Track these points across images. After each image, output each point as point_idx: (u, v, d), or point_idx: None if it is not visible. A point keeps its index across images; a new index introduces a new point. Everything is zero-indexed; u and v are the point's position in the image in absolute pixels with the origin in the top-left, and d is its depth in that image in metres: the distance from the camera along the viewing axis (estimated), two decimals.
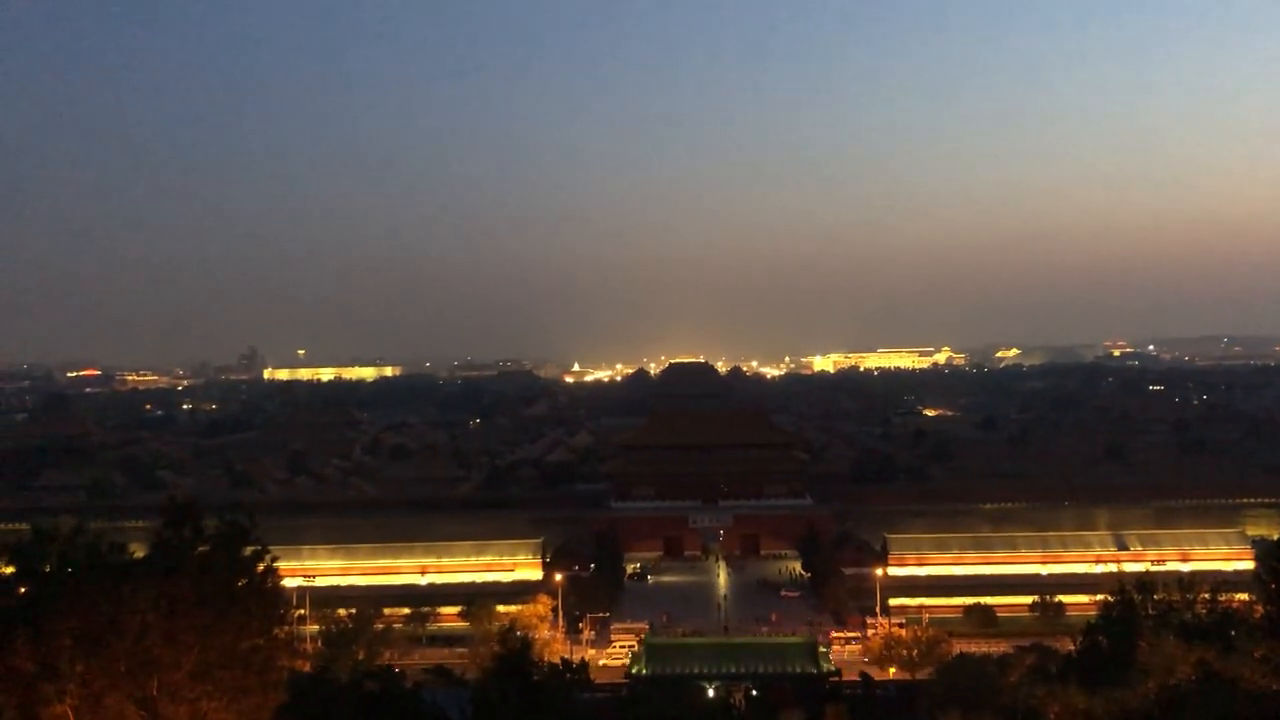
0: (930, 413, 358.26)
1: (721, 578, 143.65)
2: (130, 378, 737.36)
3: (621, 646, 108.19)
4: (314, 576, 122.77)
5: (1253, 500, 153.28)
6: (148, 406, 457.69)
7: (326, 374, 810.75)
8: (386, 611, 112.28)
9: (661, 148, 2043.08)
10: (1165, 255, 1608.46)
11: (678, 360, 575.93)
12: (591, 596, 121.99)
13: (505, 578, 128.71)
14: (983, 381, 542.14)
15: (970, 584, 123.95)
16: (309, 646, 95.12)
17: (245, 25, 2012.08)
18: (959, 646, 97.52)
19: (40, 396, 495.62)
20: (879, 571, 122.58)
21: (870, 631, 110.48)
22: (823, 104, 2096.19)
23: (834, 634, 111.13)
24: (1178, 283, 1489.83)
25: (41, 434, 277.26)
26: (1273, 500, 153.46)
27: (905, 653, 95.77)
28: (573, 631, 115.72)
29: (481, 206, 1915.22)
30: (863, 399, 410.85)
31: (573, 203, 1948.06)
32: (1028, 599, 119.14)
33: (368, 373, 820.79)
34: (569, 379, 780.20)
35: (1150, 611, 43.32)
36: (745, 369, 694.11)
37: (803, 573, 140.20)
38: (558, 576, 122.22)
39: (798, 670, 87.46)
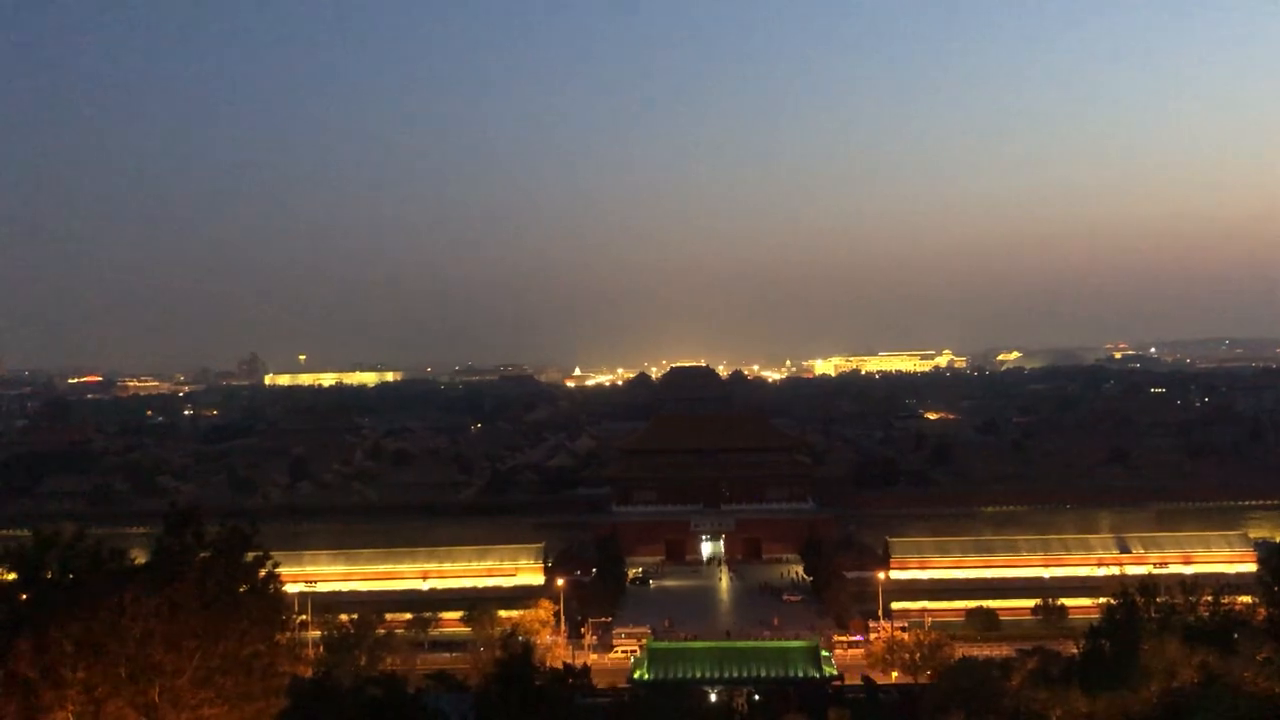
0: (931, 416, 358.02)
1: (723, 582, 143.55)
2: (131, 383, 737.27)
3: (623, 651, 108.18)
4: (316, 582, 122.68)
5: (1255, 502, 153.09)
6: (149, 412, 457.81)
7: (328, 379, 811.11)
8: (388, 617, 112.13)
9: (662, 152, 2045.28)
10: (1167, 258, 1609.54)
11: (679, 364, 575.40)
12: (593, 601, 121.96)
13: (507, 582, 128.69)
14: (984, 385, 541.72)
15: (972, 587, 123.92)
16: (311, 652, 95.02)
17: (246, 30, 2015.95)
18: (961, 650, 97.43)
19: (42, 402, 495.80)
20: (881, 575, 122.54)
21: (872, 635, 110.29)
22: (824, 108, 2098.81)
23: (836, 638, 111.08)
24: (1179, 285, 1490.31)
25: (43, 440, 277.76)
26: (1275, 502, 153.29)
27: (907, 656, 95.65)
28: (575, 636, 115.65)
29: (483, 212, 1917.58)
30: (864, 403, 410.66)
31: (574, 208, 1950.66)
32: (1030, 602, 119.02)
33: (369, 378, 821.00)
34: (570, 384, 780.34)
35: (1153, 614, 43.20)
36: (747, 373, 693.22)
37: (805, 576, 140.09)
38: (559, 581, 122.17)
39: (800, 674, 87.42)
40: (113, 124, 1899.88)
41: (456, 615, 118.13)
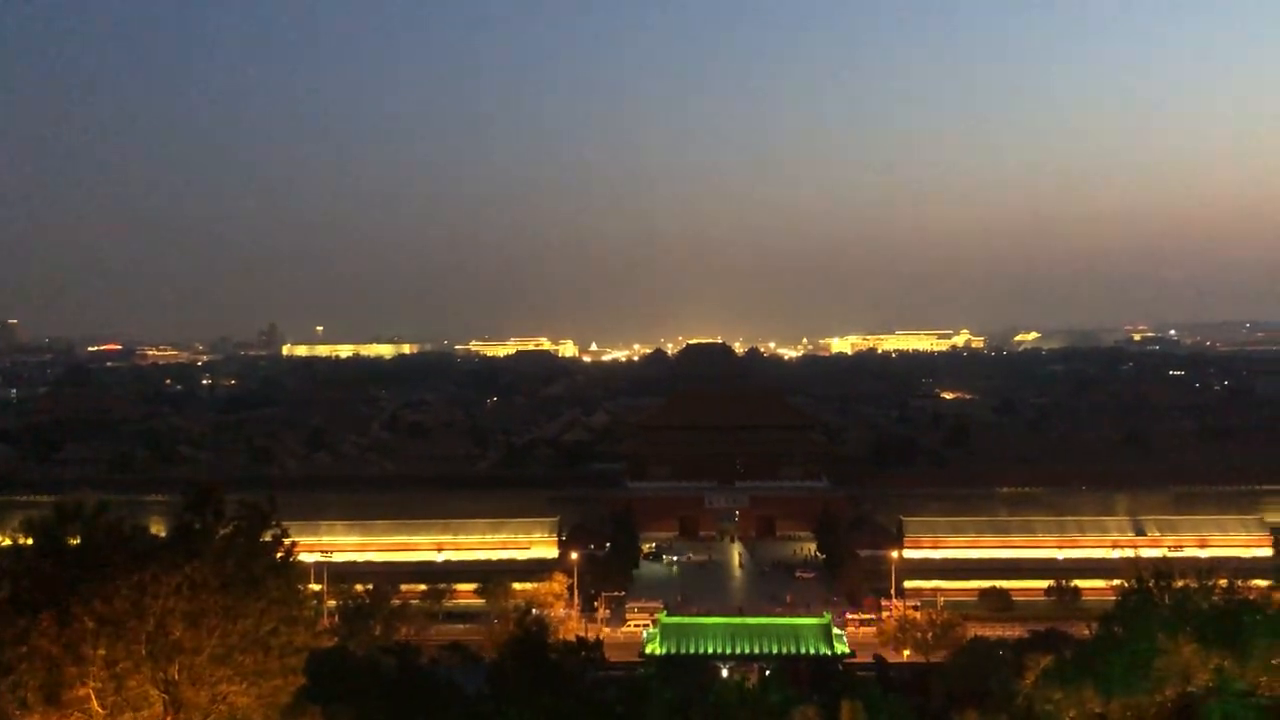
0: (948, 396, 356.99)
1: (736, 558, 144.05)
2: (150, 352, 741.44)
3: (636, 625, 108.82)
4: (332, 552, 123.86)
5: (1273, 487, 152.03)
6: (168, 381, 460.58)
7: (345, 351, 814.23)
8: (403, 588, 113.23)
9: (680, 129, 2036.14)
10: (1188, 240, 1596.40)
11: (695, 341, 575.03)
12: (607, 575, 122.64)
13: (521, 555, 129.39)
14: (1001, 365, 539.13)
15: (986, 567, 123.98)
16: (327, 623, 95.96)
17: (276, 4, 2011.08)
18: (974, 630, 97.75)
19: (62, 370, 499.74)
20: (894, 554, 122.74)
21: (885, 614, 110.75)
22: (842, 87, 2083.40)
23: (849, 616, 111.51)
24: (1200, 268, 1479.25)
25: (63, 407, 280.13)
26: None
27: (920, 635, 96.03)
28: (588, 609, 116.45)
29: (502, 186, 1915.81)
30: (881, 381, 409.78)
31: (592, 183, 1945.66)
32: (1044, 583, 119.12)
33: (386, 350, 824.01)
34: (587, 358, 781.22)
35: (1167, 600, 43.06)
36: (763, 350, 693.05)
37: (818, 554, 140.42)
38: (573, 555, 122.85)
39: (812, 651, 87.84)
40: (136, 95, 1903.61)
41: (471, 587, 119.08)
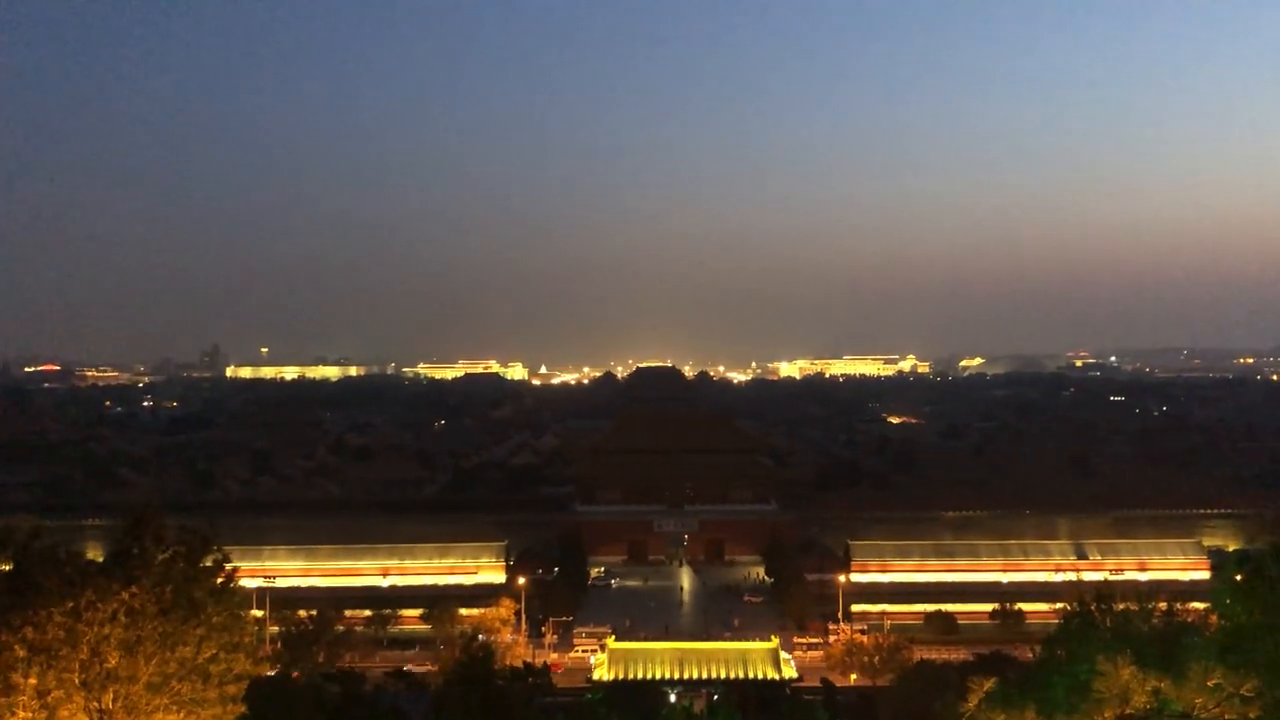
0: (894, 420, 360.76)
1: (685, 582, 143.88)
2: (90, 374, 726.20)
3: (584, 651, 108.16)
4: (275, 577, 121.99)
5: (1210, 511, 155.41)
6: (108, 403, 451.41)
7: (290, 373, 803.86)
8: (348, 613, 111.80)
9: (630, 153, 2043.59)
10: (1128, 267, 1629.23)
11: (645, 364, 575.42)
12: (555, 600, 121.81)
13: (468, 580, 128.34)
14: (947, 390, 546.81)
15: (932, 591, 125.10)
16: (268, 649, 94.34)
17: (216, 23, 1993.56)
18: (920, 653, 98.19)
19: None
20: (841, 578, 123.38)
21: (832, 638, 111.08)
22: (788, 112, 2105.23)
23: (796, 640, 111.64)
24: (1140, 295, 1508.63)
25: None
26: (1229, 511, 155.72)
27: (866, 659, 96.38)
28: (535, 635, 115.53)
29: (449, 210, 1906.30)
30: (828, 406, 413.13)
31: (541, 205, 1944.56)
32: (988, 606, 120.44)
33: (332, 372, 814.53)
34: (536, 381, 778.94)
35: (1108, 623, 43.73)
36: (712, 374, 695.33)
37: (766, 578, 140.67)
38: (521, 580, 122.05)
39: (759, 676, 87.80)
40: (74, 116, 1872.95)
41: (417, 613, 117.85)
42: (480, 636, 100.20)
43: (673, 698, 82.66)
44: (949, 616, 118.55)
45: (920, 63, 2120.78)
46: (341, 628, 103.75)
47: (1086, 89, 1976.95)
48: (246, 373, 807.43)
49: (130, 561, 28.90)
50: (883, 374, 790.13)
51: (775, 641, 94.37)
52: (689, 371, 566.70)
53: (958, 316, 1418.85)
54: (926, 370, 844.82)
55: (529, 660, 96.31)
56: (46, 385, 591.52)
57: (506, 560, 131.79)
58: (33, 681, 26.12)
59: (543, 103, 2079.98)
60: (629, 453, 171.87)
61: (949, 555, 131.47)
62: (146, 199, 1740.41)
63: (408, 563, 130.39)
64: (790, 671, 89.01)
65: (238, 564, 32.55)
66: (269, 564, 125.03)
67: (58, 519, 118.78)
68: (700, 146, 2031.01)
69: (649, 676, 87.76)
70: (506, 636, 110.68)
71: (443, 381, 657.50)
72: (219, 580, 30.14)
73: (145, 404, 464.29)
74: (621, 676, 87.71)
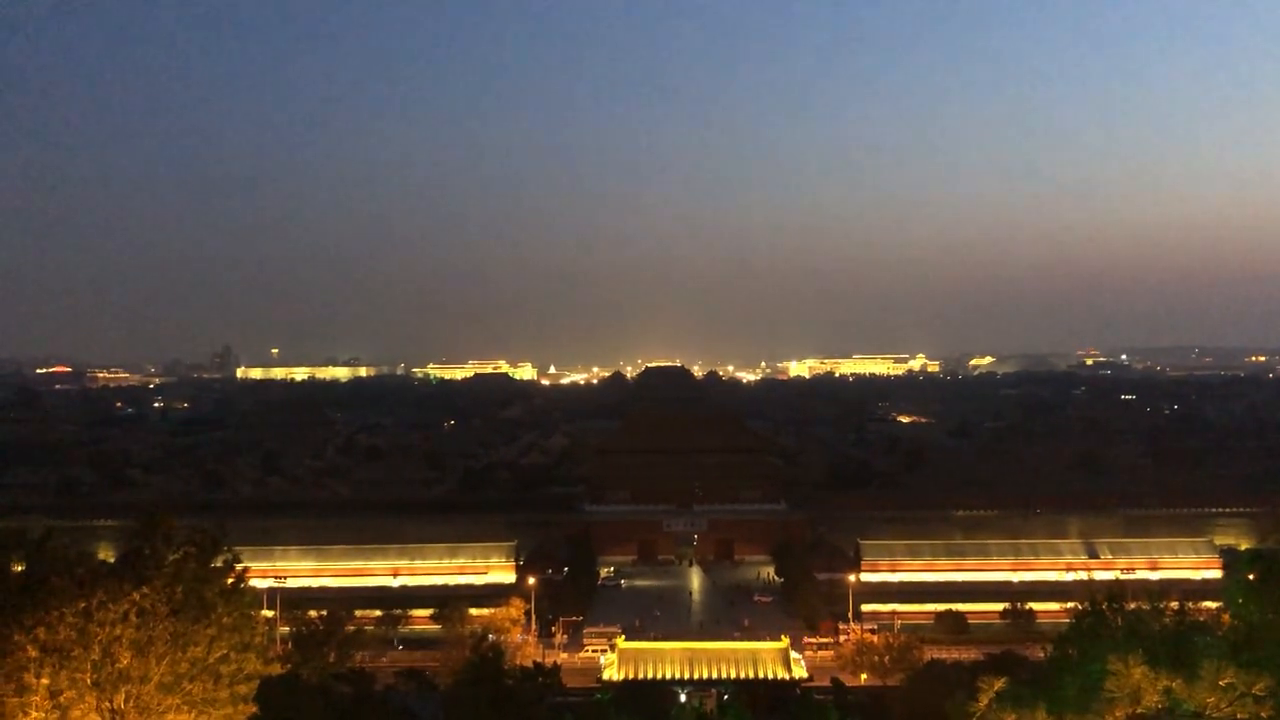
0: (904, 419, 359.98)
1: (695, 582, 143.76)
2: (101, 375, 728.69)
3: (594, 650, 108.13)
4: (286, 577, 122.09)
5: (1221, 510, 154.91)
6: (119, 404, 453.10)
7: (300, 374, 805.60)
8: (358, 613, 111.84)
9: (639, 152, 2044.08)
10: (1139, 266, 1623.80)
11: (654, 364, 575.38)
12: (565, 600, 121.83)
13: (478, 580, 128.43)
14: (956, 389, 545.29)
15: (942, 590, 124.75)
16: (279, 649, 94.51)
17: (229, 24, 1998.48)
18: (930, 653, 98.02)
19: (10, 392, 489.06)
20: (852, 577, 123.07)
21: (842, 637, 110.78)
22: (801, 110, 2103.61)
23: (806, 639, 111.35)
24: (1150, 294, 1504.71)
25: (11, 431, 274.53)
26: (1241, 510, 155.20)
27: (877, 659, 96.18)
28: (545, 635, 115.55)
29: (459, 211, 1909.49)
30: (838, 405, 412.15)
31: (551, 206, 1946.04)
32: (999, 606, 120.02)
33: (342, 373, 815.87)
34: (545, 381, 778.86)
35: (1119, 622, 43.58)
36: (721, 373, 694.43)
37: (776, 578, 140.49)
38: (531, 580, 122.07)
39: (770, 675, 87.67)
40: (86, 115, 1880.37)
41: (427, 613, 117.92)
42: (490, 636, 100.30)
43: (683, 697, 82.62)
44: (960, 616, 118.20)
45: (938, 60, 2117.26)
46: (352, 628, 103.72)
47: (1098, 87, 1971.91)
48: (257, 374, 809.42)
49: (141, 562, 28.99)
50: (892, 373, 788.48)
51: (785, 641, 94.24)
52: (698, 371, 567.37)
53: (967, 316, 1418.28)
54: (936, 369, 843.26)
55: (539, 660, 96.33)
56: (58, 387, 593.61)
57: (516, 560, 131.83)
58: (45, 682, 26.23)
59: (554, 103, 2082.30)
60: (638, 453, 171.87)
61: (959, 555, 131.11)
62: (158, 201, 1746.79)
63: (418, 563, 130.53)
64: (800, 671, 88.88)
65: (248, 564, 32.63)
66: (279, 564, 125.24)
67: (69, 520, 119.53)
68: (712, 146, 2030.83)
69: (659, 676, 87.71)
70: (516, 636, 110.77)
71: (452, 382, 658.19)
72: (230, 581, 30.22)
73: (156, 405, 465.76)
74: (631, 676, 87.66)
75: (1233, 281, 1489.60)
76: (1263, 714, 28.50)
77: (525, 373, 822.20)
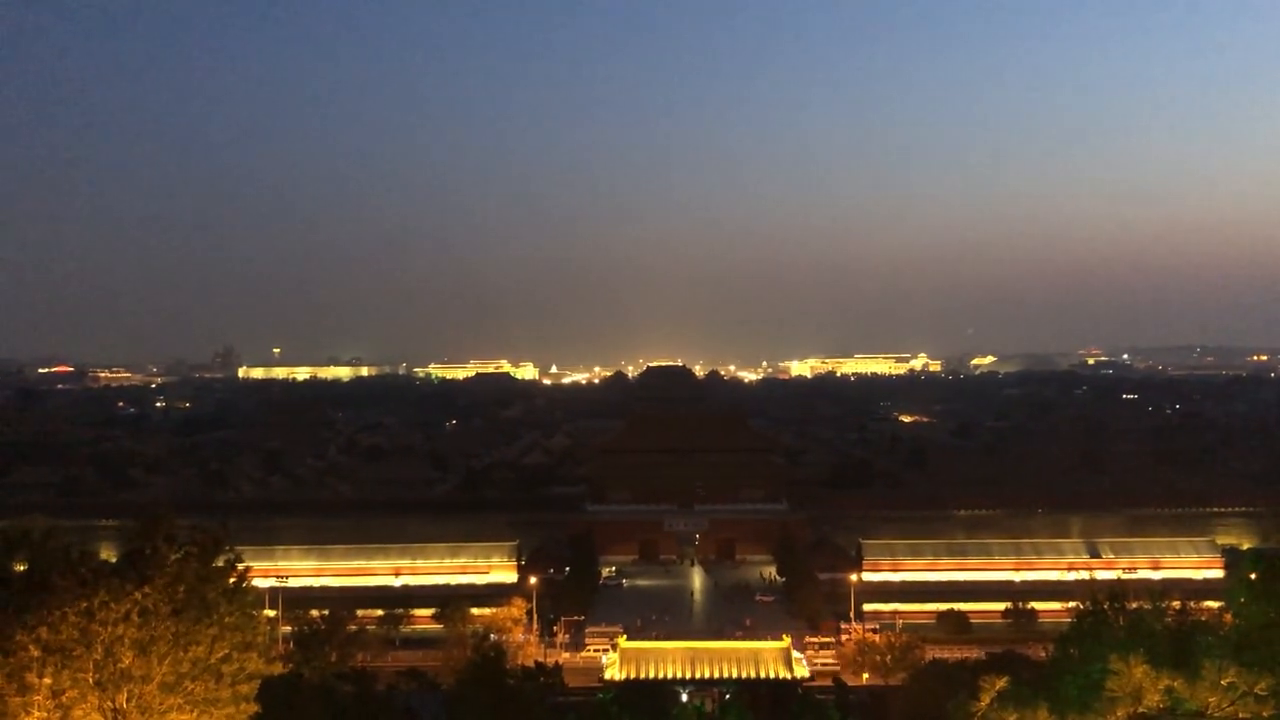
0: (906, 419, 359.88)
1: (697, 582, 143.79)
2: (103, 374, 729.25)
3: (596, 650, 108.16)
4: (287, 577, 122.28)
5: (1223, 509, 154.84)
6: (120, 404, 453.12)
7: (302, 373, 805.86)
8: (360, 613, 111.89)
9: (641, 152, 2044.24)
10: (1140, 265, 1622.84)
11: (655, 363, 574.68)
12: (566, 600, 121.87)
13: (480, 580, 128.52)
14: (958, 388, 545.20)
15: (944, 590, 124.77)
16: (281, 649, 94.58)
17: (234, 23, 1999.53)
18: (932, 652, 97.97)
19: (11, 393, 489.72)
20: (853, 577, 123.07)
21: (844, 637, 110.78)
22: (802, 109, 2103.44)
23: (808, 639, 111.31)
24: (1152, 292, 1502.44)
25: (12, 430, 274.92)
26: (1243, 509, 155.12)
27: (879, 658, 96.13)
28: (547, 634, 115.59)
29: (460, 210, 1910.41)
30: (839, 404, 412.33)
31: (553, 206, 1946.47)
32: (1001, 605, 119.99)
33: (343, 372, 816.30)
34: (547, 381, 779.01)
35: (1121, 622, 43.58)
36: (723, 373, 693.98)
37: (777, 577, 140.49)
38: (533, 579, 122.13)
39: (771, 675, 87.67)
40: (87, 117, 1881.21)
41: (429, 612, 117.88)
42: (492, 636, 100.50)
43: (684, 697, 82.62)
44: (961, 615, 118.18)
45: (933, 60, 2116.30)
46: (354, 627, 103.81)
47: (1101, 86, 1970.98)
48: (259, 373, 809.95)
49: (143, 562, 29.03)
50: (894, 373, 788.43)
51: (787, 641, 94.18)
52: (700, 371, 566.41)
53: (969, 315, 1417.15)
54: (938, 369, 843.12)
55: (540, 659, 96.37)
56: (60, 386, 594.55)
57: (518, 560, 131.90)
58: (48, 681, 26.29)
59: (554, 102, 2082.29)
60: (640, 452, 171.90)
61: (961, 554, 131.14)
62: (160, 201, 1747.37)
63: (419, 562, 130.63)
64: (802, 671, 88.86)
65: (250, 564, 32.70)
66: (281, 564, 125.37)
67: (71, 519, 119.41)
68: (713, 146, 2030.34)
69: (660, 676, 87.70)
70: (518, 636, 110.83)
71: (454, 382, 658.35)
72: (231, 580, 30.26)
73: (158, 405, 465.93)
74: (633, 676, 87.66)
75: (1235, 281, 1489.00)
76: (1265, 713, 28.53)
77: (527, 372, 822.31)
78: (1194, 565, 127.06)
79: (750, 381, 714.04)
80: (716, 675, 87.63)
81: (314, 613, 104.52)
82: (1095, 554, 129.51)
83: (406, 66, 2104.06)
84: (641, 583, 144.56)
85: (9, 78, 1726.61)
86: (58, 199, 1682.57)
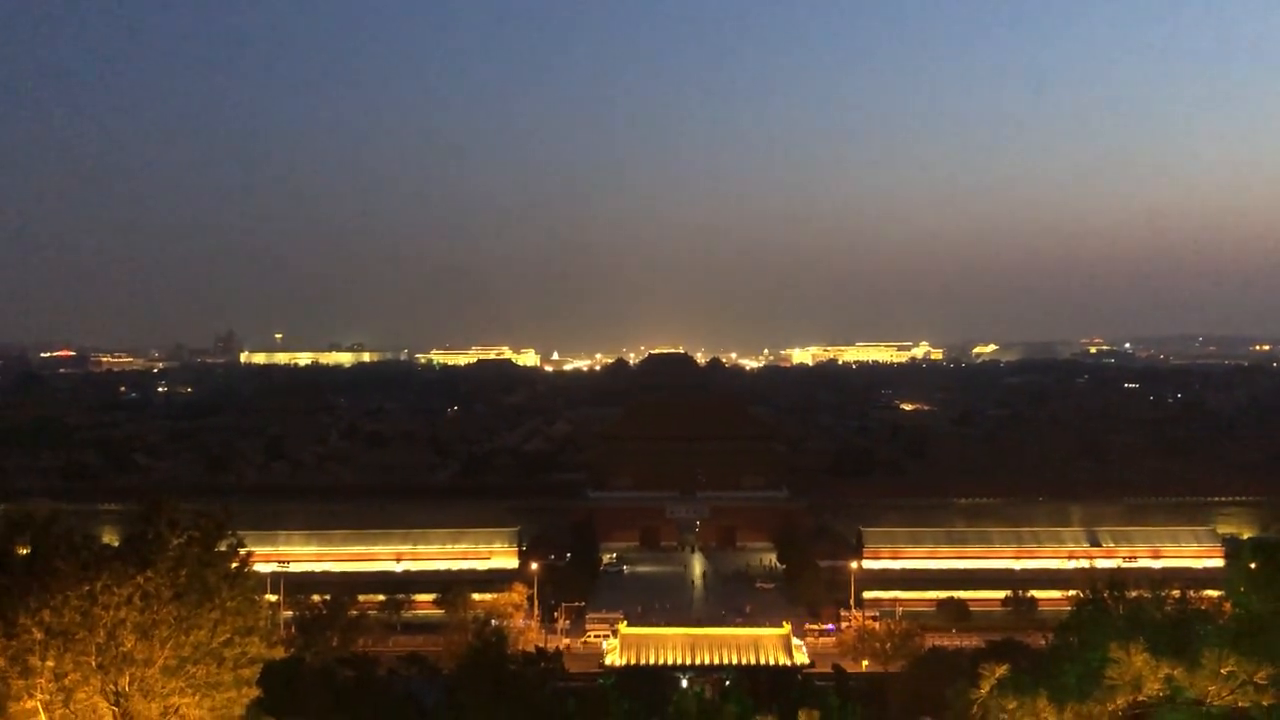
0: (907, 407, 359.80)
1: (697, 568, 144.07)
2: (105, 359, 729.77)
3: (596, 636, 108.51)
4: (289, 562, 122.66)
5: (1224, 499, 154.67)
6: (122, 389, 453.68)
7: (304, 359, 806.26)
8: (361, 598, 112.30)
9: (642, 139, 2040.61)
10: (1143, 255, 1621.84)
11: (657, 351, 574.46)
12: (567, 585, 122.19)
13: (481, 566, 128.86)
14: (960, 377, 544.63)
15: (944, 578, 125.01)
16: (283, 633, 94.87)
17: (235, 10, 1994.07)
18: (932, 640, 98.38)
19: (14, 377, 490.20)
20: (854, 564, 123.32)
21: (844, 624, 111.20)
22: (804, 97, 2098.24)
23: (808, 626, 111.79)
24: (1155, 282, 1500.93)
25: (15, 415, 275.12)
26: (1244, 499, 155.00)
27: (878, 646, 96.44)
28: (548, 620, 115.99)
29: (462, 197, 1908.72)
30: (841, 392, 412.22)
31: (554, 192, 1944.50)
32: (1001, 593, 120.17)
33: (345, 358, 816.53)
34: (548, 368, 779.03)
35: (1121, 611, 43.59)
36: (724, 360, 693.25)
37: (778, 564, 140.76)
38: (534, 565, 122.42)
39: (771, 662, 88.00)
40: (90, 103, 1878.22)
41: (430, 598, 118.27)
42: (493, 621, 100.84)
43: (684, 683, 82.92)
44: (961, 603, 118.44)
45: (936, 51, 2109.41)
46: (355, 612, 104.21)
47: (1100, 77, 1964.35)
48: (260, 359, 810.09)
49: (145, 546, 29.06)
50: (896, 361, 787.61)
51: (787, 628, 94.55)
52: (701, 358, 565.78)
53: (971, 304, 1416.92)
54: (939, 357, 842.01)
55: (541, 645, 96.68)
56: (62, 371, 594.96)
57: (519, 546, 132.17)
58: (50, 664, 26.36)
59: (554, 90, 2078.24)
60: (641, 439, 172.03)
61: (961, 542, 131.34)
62: (161, 185, 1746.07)
63: (421, 548, 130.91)
64: (802, 657, 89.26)
65: (252, 548, 32.73)
66: (283, 549, 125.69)
67: (73, 503, 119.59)
68: (713, 134, 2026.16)
69: (661, 662, 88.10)
70: (519, 621, 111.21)
71: (456, 368, 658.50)
72: (233, 565, 30.29)
73: (160, 389, 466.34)
74: (633, 661, 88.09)
75: (1237, 271, 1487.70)
76: (1264, 702, 28.57)
77: (528, 359, 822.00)
78: (1194, 554, 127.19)
79: (751, 369, 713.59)
80: (717, 661, 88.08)
81: (315, 598, 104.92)
82: (1095, 543, 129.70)
83: (412, 52, 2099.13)
84: (642, 569, 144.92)
85: (10, 64, 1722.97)
86: (61, 186, 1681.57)
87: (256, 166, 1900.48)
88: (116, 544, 30.89)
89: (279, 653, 31.65)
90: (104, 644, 26.81)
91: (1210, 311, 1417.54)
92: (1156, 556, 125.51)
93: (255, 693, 29.39)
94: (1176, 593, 47.30)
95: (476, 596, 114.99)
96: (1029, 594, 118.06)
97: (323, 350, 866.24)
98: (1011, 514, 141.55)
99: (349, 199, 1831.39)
